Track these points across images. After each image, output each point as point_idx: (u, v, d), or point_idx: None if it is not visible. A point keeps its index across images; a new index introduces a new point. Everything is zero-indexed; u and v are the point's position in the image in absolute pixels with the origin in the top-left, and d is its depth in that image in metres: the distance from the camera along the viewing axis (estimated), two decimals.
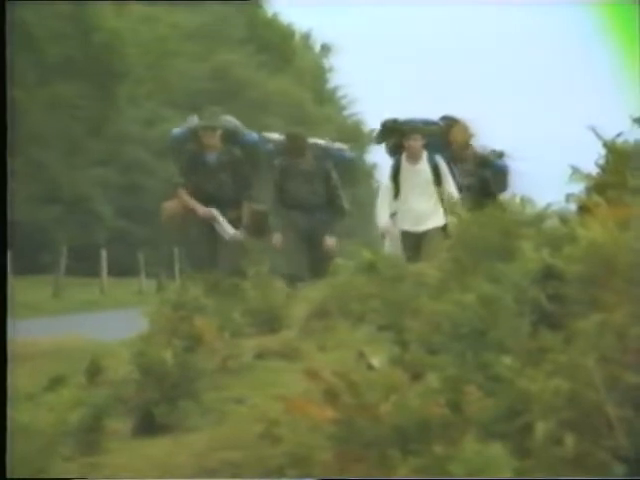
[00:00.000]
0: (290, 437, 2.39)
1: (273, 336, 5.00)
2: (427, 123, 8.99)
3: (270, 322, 5.55)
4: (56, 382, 3.42)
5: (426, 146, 8.82)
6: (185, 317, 3.91)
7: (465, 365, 2.66)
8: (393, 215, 8.85)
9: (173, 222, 8.56)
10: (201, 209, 8.25)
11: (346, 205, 8.88)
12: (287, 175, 8.69)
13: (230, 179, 8.35)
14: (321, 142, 9.03)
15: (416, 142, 8.76)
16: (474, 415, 2.39)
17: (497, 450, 2.27)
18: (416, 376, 2.62)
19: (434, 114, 9.21)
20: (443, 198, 8.73)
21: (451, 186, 8.82)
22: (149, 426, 3.09)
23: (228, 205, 8.33)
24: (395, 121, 9.07)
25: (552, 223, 3.58)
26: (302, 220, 8.70)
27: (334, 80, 47.29)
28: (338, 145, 9.18)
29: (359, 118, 51.07)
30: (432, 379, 2.52)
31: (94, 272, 24.04)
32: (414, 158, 8.80)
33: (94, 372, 3.58)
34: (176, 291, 4.75)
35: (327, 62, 46.91)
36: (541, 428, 2.34)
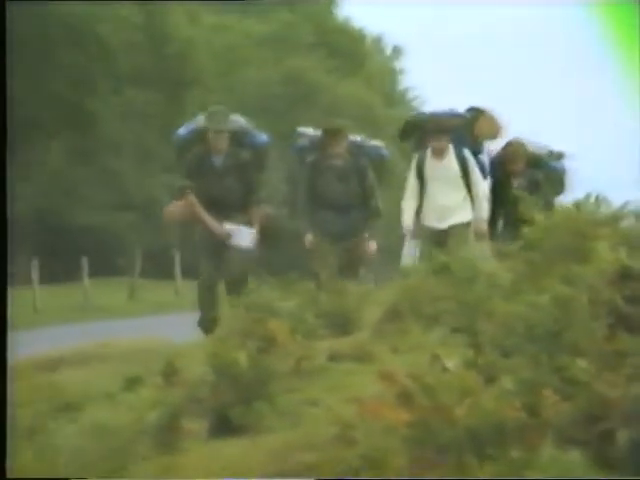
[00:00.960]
0: (365, 440, 2.38)
1: (346, 338, 5.00)
2: (452, 115, 8.64)
3: (343, 324, 5.55)
4: (133, 382, 3.47)
5: (451, 140, 8.47)
6: (258, 319, 3.93)
7: (540, 368, 2.63)
8: (419, 213, 8.51)
9: (176, 225, 8.21)
10: (216, 227, 7.80)
11: (381, 205, 8.37)
12: (320, 173, 8.26)
13: (237, 183, 7.97)
14: (357, 138, 8.59)
15: (440, 142, 8.43)
16: (551, 419, 2.35)
17: (576, 457, 2.21)
18: (490, 379, 2.60)
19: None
20: (471, 193, 8.48)
21: (479, 180, 8.51)
22: (224, 427, 3.11)
23: (235, 210, 7.95)
24: (419, 115, 8.82)
25: (629, 222, 3.52)
26: (335, 220, 8.26)
27: (405, 82, 47.16)
28: (374, 142, 8.74)
29: None
30: (507, 382, 2.50)
31: (168, 274, 24.38)
32: (439, 154, 8.48)
33: (170, 373, 3.61)
34: (249, 293, 4.79)
35: (398, 64, 46.80)
36: (623, 436, 2.27)
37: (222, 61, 32.69)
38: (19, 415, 2.49)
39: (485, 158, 8.85)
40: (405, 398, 2.49)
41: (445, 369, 2.90)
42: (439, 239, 8.37)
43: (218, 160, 7.96)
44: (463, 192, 8.51)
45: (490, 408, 2.36)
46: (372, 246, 8.32)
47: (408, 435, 2.36)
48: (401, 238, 8.66)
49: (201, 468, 2.61)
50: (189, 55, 30.03)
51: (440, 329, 3.99)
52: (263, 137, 8.25)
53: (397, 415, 2.43)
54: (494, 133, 8.84)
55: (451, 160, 8.52)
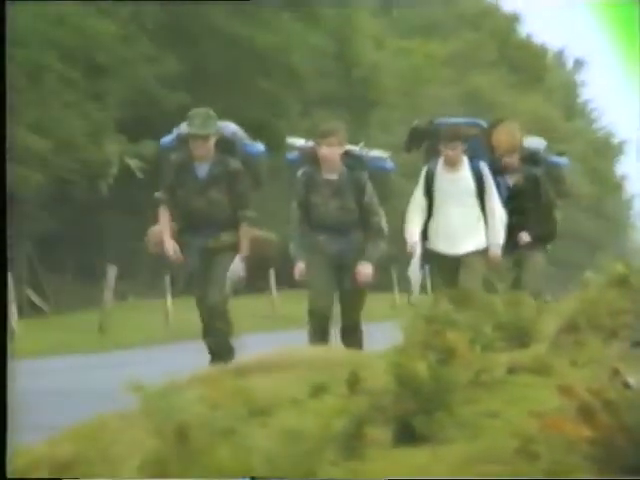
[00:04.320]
0: (547, 454, 2.40)
1: (523, 351, 4.99)
2: (467, 124, 7.85)
3: (520, 336, 5.53)
4: (319, 390, 3.58)
5: (466, 151, 7.57)
6: (438, 331, 3.98)
7: None
8: (425, 231, 7.66)
9: (161, 249, 7.10)
10: (168, 246, 6.91)
11: (384, 225, 7.16)
12: (312, 189, 7.07)
13: (223, 196, 6.97)
14: (355, 149, 7.38)
15: (455, 151, 7.52)
16: None
17: None
18: None
19: None
20: (485, 213, 7.55)
21: (496, 200, 7.58)
22: (408, 436, 3.19)
23: (221, 227, 7.00)
24: (430, 122, 7.90)
25: None
26: (330, 244, 7.09)
27: (585, 94, 46.54)
28: (375, 153, 7.50)
29: (609, 130, 50.49)
30: None
31: None
32: (452, 165, 7.56)
33: (354, 382, 3.71)
34: (428, 305, 4.85)
35: (579, 77, 46.37)
36: None
37: (405, 81, 33.30)
38: (214, 417, 2.65)
39: (507, 180, 7.94)
40: (586, 414, 2.49)
41: (626, 385, 2.87)
42: (449, 265, 7.57)
43: (202, 169, 7.01)
44: (477, 211, 7.58)
45: None
46: (365, 270, 7.06)
47: (591, 453, 2.35)
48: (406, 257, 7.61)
49: (385, 475, 2.69)
50: (374, 78, 30.77)
51: (619, 343, 3.93)
52: (258, 147, 7.32)
53: (579, 431, 2.43)
54: (514, 145, 7.94)
55: (466, 173, 7.60)
